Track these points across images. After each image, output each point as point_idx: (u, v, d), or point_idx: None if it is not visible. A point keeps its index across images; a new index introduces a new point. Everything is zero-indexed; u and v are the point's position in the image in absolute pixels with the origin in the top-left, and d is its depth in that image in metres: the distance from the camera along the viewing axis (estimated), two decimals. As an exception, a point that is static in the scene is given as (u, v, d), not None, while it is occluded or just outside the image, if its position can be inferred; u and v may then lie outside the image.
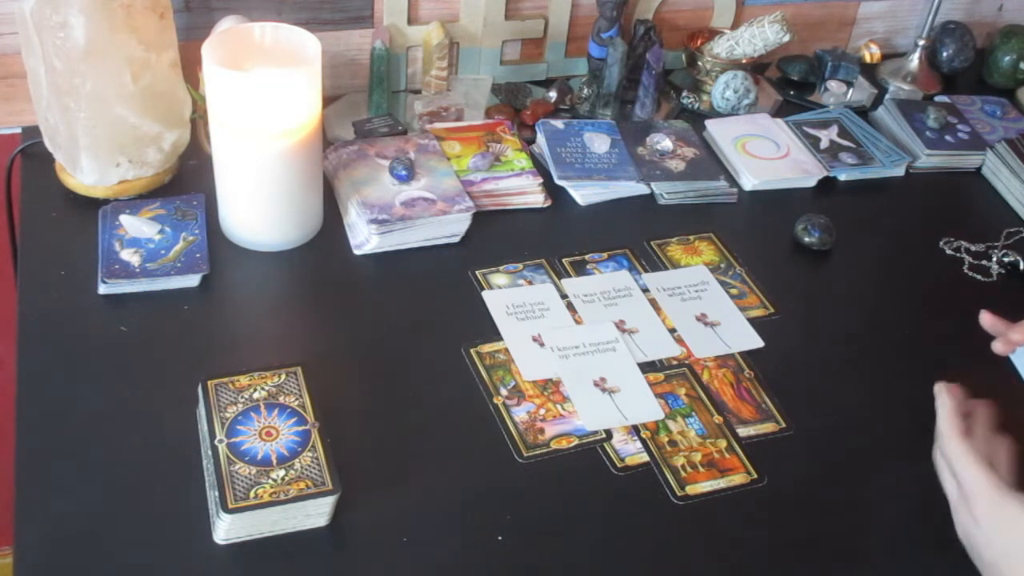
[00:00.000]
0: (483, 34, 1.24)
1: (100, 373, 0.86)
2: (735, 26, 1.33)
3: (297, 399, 0.80)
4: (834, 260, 1.08)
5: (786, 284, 1.03)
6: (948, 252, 1.11)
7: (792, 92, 1.34)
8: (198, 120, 1.08)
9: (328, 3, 1.17)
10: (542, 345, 0.93)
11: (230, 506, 0.71)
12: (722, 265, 1.05)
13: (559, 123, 1.19)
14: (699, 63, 1.29)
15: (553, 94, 1.22)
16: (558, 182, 1.12)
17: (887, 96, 1.35)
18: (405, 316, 0.95)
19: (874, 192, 1.20)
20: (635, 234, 1.08)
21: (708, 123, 1.24)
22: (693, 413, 0.88)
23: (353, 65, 1.22)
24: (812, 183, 1.18)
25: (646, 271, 1.03)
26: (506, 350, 0.92)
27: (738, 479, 0.83)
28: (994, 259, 1.10)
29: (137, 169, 1.02)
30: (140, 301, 0.93)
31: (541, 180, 1.10)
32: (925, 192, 1.21)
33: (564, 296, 0.99)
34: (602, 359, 0.92)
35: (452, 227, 1.03)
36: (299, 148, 0.95)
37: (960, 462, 0.75)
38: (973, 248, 1.11)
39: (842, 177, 1.20)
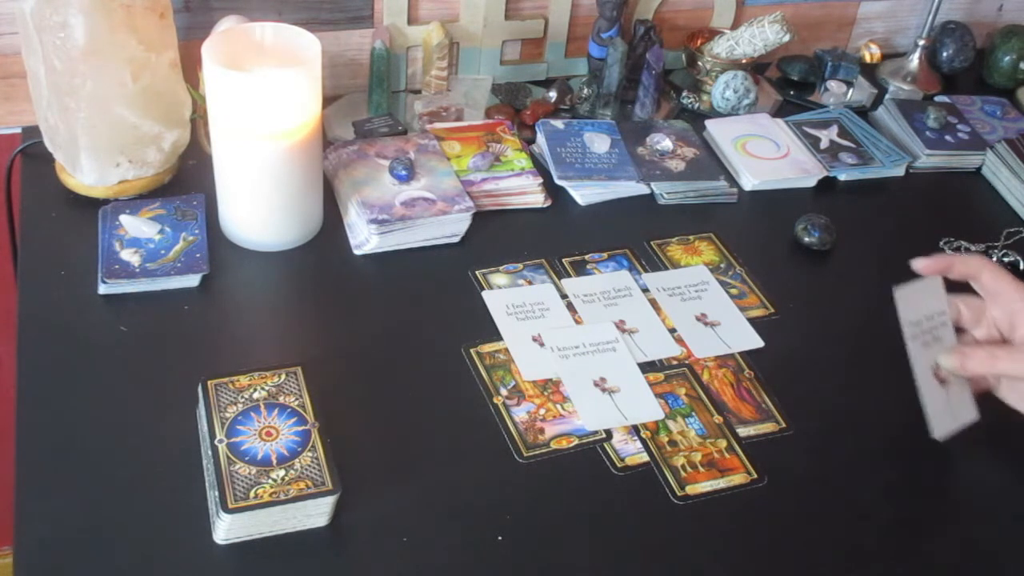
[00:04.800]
0: (483, 34, 1.24)
1: (100, 373, 0.86)
2: (735, 26, 1.33)
3: (297, 399, 0.80)
4: (834, 260, 1.08)
5: (786, 284, 1.03)
6: (948, 252, 1.11)
7: (792, 92, 1.34)
8: (198, 120, 1.08)
9: (328, 3, 1.17)
10: (542, 345, 0.93)
11: (230, 506, 0.71)
12: (722, 265, 1.05)
13: (559, 123, 1.19)
14: (699, 63, 1.29)
15: (553, 94, 1.22)
16: (558, 182, 1.12)
17: (887, 96, 1.35)
18: (405, 316, 0.95)
19: (874, 192, 1.20)
20: (635, 234, 1.08)
21: (708, 123, 1.24)
22: (693, 413, 0.88)
23: (353, 65, 1.22)
24: (812, 183, 1.18)
25: (646, 271, 1.03)
26: (506, 350, 0.92)
27: (738, 479, 0.83)
28: (994, 259, 1.10)
29: (137, 169, 1.02)
30: (140, 301, 0.93)
31: (541, 180, 1.10)
32: (925, 192, 1.21)
33: (564, 296, 0.99)
34: (602, 359, 0.92)
35: (452, 227, 1.03)
36: (299, 148, 0.95)
37: None
38: (973, 248, 1.11)
39: (842, 177, 1.20)
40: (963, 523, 0.83)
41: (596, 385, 0.89)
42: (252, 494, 0.72)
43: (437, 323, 0.95)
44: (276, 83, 0.91)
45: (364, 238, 1.01)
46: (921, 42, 1.38)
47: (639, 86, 1.23)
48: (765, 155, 1.19)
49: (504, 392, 0.88)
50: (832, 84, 1.33)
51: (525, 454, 0.83)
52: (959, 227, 1.14)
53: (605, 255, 1.05)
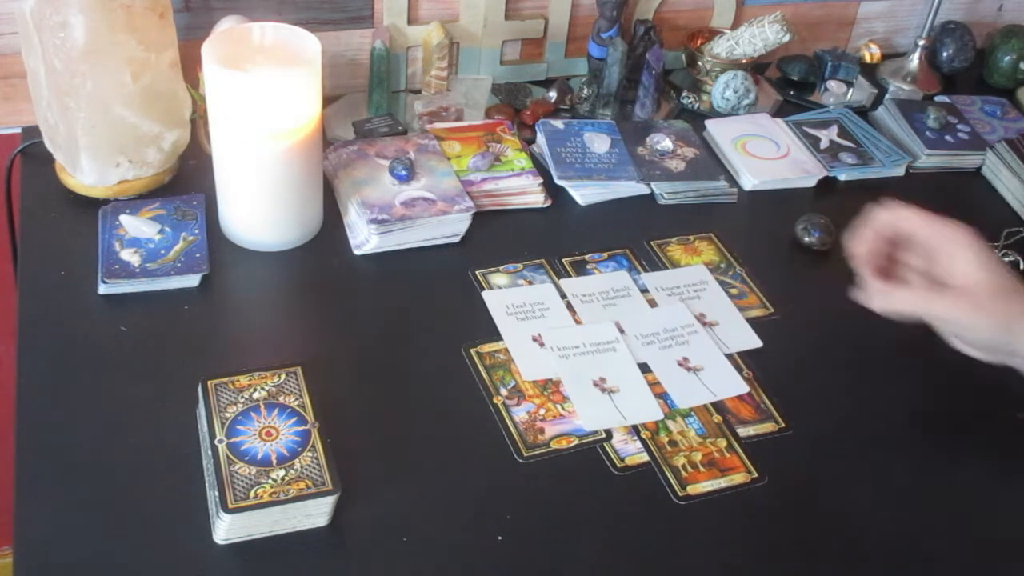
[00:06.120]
0: (483, 34, 1.24)
1: (100, 373, 0.86)
2: (735, 26, 1.33)
3: (297, 399, 0.80)
4: (834, 260, 1.08)
5: (786, 284, 1.03)
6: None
7: (792, 92, 1.34)
8: (198, 120, 1.08)
9: (328, 3, 1.17)
10: (542, 345, 0.93)
11: (230, 506, 0.71)
12: (722, 265, 1.05)
13: (559, 123, 1.19)
14: (699, 63, 1.29)
15: (553, 94, 1.22)
16: (558, 182, 1.12)
17: (887, 96, 1.35)
18: (405, 316, 0.95)
19: (874, 192, 1.19)
20: (635, 234, 1.08)
21: (708, 123, 1.24)
22: (692, 413, 0.88)
23: (353, 65, 1.22)
24: (812, 183, 1.18)
25: (646, 271, 1.03)
26: (506, 350, 0.92)
27: (739, 478, 0.83)
28: (994, 259, 1.10)
29: (137, 169, 1.02)
30: (140, 301, 0.93)
31: (541, 180, 1.10)
32: (925, 192, 1.21)
33: (564, 296, 0.98)
34: (602, 359, 0.92)
35: (452, 227, 1.03)
36: (299, 148, 0.95)
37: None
38: (973, 248, 1.11)
39: (842, 177, 1.20)
40: (963, 522, 0.83)
41: (596, 385, 0.89)
42: (252, 494, 0.72)
43: (437, 323, 0.95)
44: (276, 83, 0.91)
45: (364, 238, 1.01)
46: (921, 42, 1.38)
47: (639, 86, 1.23)
48: (765, 155, 1.19)
49: (504, 392, 0.88)
50: (832, 84, 1.33)
51: (525, 454, 0.83)
52: (959, 227, 1.14)
53: (605, 255, 1.05)
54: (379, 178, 1.04)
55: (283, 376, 0.81)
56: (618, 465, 0.83)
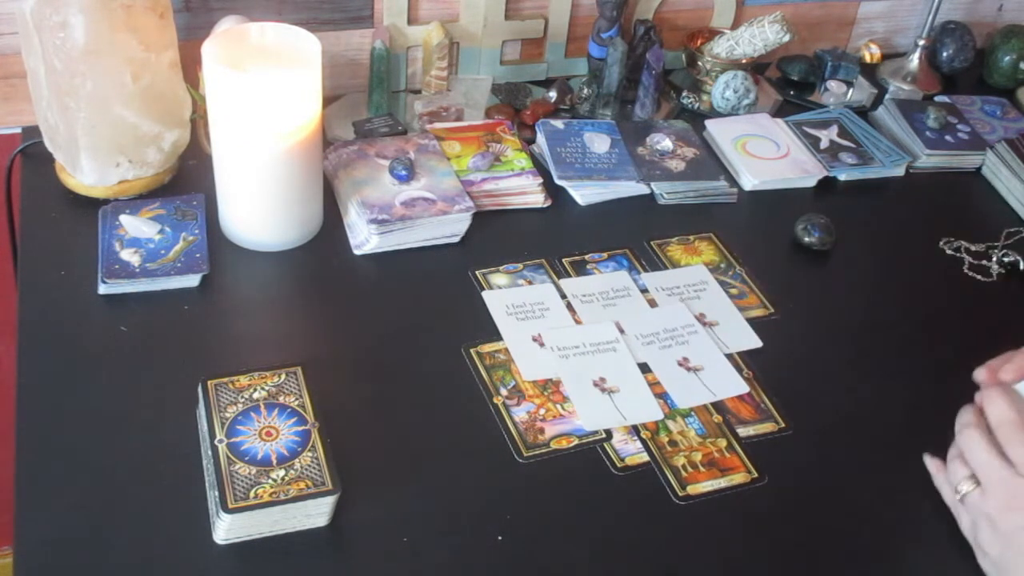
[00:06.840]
0: (483, 34, 1.24)
1: (100, 373, 0.86)
2: (735, 26, 1.33)
3: (297, 399, 0.80)
4: (834, 260, 1.08)
5: (786, 284, 1.03)
6: (948, 252, 1.11)
7: (792, 92, 1.34)
8: (198, 120, 1.08)
9: (328, 3, 1.17)
10: (542, 345, 0.93)
11: (230, 506, 0.71)
12: (722, 265, 1.05)
13: (559, 123, 1.19)
14: (699, 63, 1.29)
15: (553, 94, 1.22)
16: (558, 182, 1.12)
17: (887, 96, 1.36)
18: (405, 316, 0.95)
19: (874, 192, 1.20)
20: (635, 234, 1.08)
21: (708, 123, 1.24)
22: (692, 413, 0.88)
23: (353, 65, 1.22)
24: (812, 183, 1.18)
25: (646, 271, 1.03)
26: (506, 350, 0.92)
27: (739, 478, 0.83)
28: (994, 259, 1.10)
29: (137, 169, 1.02)
30: (140, 301, 0.93)
31: (541, 180, 1.10)
32: (925, 192, 1.21)
33: (564, 296, 0.98)
34: (602, 359, 0.92)
35: (452, 227, 1.03)
36: (299, 148, 0.95)
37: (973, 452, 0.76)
38: (973, 248, 1.11)
39: (842, 177, 1.20)
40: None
41: (596, 385, 0.89)
42: (252, 494, 0.72)
43: (437, 323, 0.95)
44: (276, 83, 0.91)
45: (364, 238, 1.01)
46: (921, 42, 1.38)
47: (639, 86, 1.23)
48: (765, 155, 1.19)
49: (504, 392, 0.88)
50: (832, 84, 1.33)
51: (525, 454, 0.83)
52: (959, 227, 1.14)
53: (605, 255, 1.05)
54: (379, 178, 1.04)
55: (283, 376, 0.81)
56: (618, 465, 0.83)
